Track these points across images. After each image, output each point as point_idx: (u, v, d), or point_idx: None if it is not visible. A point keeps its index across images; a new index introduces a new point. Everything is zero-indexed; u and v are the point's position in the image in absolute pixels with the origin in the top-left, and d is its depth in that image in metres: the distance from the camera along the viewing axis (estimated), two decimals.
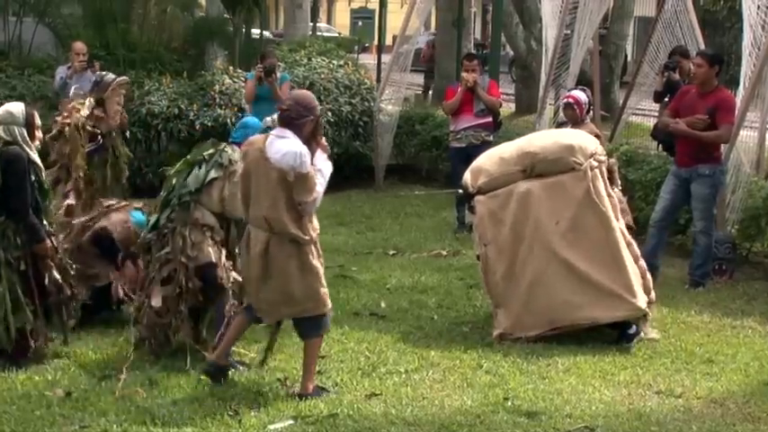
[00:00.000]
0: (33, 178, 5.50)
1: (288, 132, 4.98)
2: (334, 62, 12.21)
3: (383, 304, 6.89)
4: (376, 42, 19.96)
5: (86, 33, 12.27)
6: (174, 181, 5.66)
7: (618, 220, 6.27)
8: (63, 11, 13.28)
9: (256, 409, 4.92)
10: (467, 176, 6.41)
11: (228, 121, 10.58)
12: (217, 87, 11.04)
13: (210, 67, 12.42)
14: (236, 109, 10.76)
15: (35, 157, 5.56)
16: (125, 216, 6.33)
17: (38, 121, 5.64)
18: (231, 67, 11.70)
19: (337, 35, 30.72)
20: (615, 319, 6.09)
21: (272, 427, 4.73)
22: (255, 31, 15.72)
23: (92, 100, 7.00)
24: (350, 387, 5.26)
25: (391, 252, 8.58)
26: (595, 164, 6.19)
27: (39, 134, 5.64)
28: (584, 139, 6.37)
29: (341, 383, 5.31)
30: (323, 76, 11.65)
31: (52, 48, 12.76)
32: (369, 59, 20.64)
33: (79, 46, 9.71)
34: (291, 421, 4.78)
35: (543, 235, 6.09)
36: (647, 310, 6.08)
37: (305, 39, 15.54)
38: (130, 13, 13.28)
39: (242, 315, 5.34)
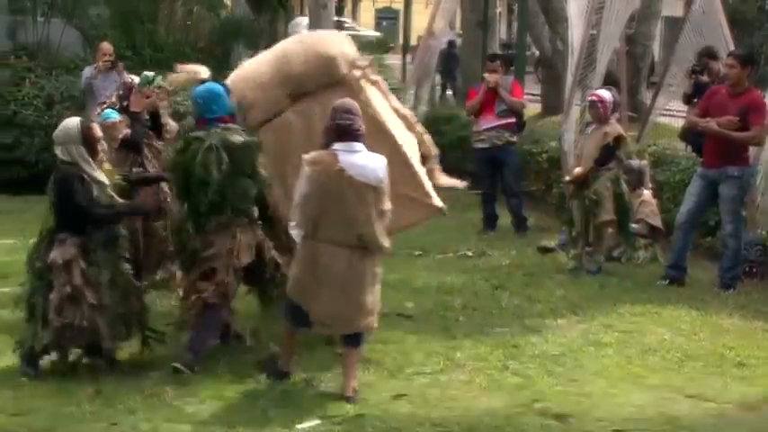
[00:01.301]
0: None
1: (358, 145, 5.01)
2: None
3: (409, 305, 6.87)
4: (401, 42, 19.94)
5: (113, 34, 12.35)
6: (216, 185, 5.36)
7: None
8: (90, 12, 13.36)
9: (284, 409, 4.92)
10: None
11: None
12: None
13: (236, 66, 12.40)
14: None
15: (96, 175, 5.23)
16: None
17: (98, 133, 5.30)
18: None
19: (359, 33, 30.69)
20: (419, 221, 5.95)
21: (299, 426, 4.73)
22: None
23: None
24: (377, 388, 5.25)
25: (417, 253, 8.54)
26: (359, 73, 5.80)
27: (103, 146, 5.33)
28: (342, 46, 5.92)
29: (368, 384, 5.29)
30: None
31: (80, 48, 12.85)
32: (394, 60, 20.56)
33: (106, 46, 9.74)
34: (318, 421, 4.79)
35: None
36: (443, 207, 5.85)
37: None
38: (157, 14, 13.35)
39: (287, 326, 5.31)
